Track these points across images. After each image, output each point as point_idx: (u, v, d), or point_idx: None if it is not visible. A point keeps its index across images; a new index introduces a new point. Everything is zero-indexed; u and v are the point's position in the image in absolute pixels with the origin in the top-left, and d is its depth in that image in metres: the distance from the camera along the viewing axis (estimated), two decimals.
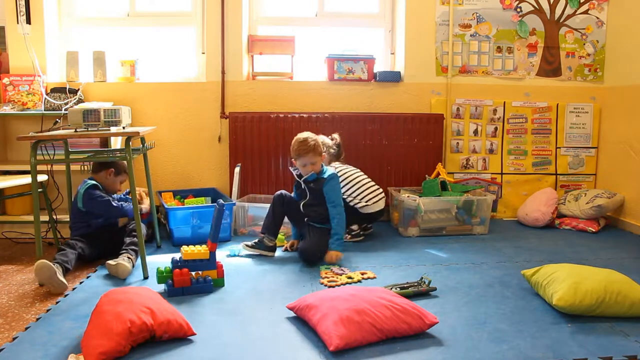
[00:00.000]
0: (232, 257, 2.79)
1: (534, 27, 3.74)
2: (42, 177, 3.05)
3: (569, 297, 1.98)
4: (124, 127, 2.59)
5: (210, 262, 2.31)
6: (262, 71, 3.72)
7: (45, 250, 2.79)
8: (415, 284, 2.29)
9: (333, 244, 2.70)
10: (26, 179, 2.87)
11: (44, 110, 3.30)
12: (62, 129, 2.74)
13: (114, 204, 2.73)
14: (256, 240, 2.81)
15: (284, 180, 3.55)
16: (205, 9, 3.55)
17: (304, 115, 3.54)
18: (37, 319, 1.99)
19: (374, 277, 2.46)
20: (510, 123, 3.77)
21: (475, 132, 3.77)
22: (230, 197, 3.37)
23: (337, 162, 3.24)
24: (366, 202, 3.09)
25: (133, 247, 2.61)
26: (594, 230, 3.37)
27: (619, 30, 3.66)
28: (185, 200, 3.29)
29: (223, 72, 3.58)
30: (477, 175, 3.78)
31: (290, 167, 3.01)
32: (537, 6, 3.72)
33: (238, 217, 3.24)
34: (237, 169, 3.39)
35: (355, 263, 2.70)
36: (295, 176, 2.86)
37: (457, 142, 3.77)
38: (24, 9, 3.34)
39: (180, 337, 1.80)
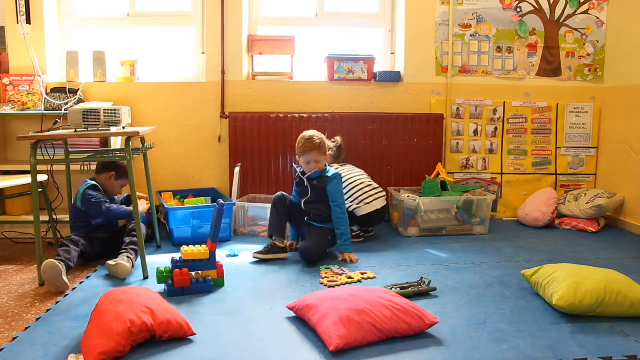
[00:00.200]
0: (232, 257, 2.79)
1: (534, 27, 3.74)
2: (42, 177, 3.04)
3: (569, 297, 1.98)
4: (124, 127, 2.59)
5: (210, 262, 2.31)
6: (262, 71, 3.72)
7: (45, 250, 2.79)
8: (415, 284, 2.29)
9: (342, 246, 2.72)
10: (26, 179, 2.87)
11: (44, 110, 3.30)
12: (62, 129, 2.74)
13: (107, 206, 2.71)
14: (267, 246, 2.75)
15: (284, 180, 3.56)
16: (205, 9, 3.55)
17: (304, 115, 3.54)
18: (37, 319, 1.99)
19: (374, 277, 2.46)
20: (510, 123, 3.77)
21: (475, 132, 3.77)
22: (230, 197, 3.37)
23: (335, 164, 3.24)
24: (357, 204, 3.07)
25: (133, 247, 2.61)
26: (594, 230, 3.37)
27: (619, 30, 3.66)
28: (185, 200, 3.29)
29: (223, 72, 3.58)
30: (477, 175, 3.78)
31: (294, 165, 3.02)
32: (537, 6, 3.72)
33: (238, 217, 3.24)
34: (237, 169, 3.39)
35: (356, 263, 2.70)
36: (299, 173, 2.86)
37: (457, 142, 3.77)
38: (24, 9, 3.34)
39: (180, 337, 1.80)
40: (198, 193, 3.46)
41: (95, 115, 2.48)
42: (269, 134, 3.52)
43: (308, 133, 2.79)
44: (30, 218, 3.18)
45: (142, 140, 2.85)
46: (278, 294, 2.25)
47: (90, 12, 3.68)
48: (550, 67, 3.79)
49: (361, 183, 3.15)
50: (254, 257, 2.71)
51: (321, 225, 2.78)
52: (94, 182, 2.81)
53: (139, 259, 2.55)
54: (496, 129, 3.77)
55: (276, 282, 2.40)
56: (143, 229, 2.73)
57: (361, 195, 3.10)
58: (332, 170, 2.82)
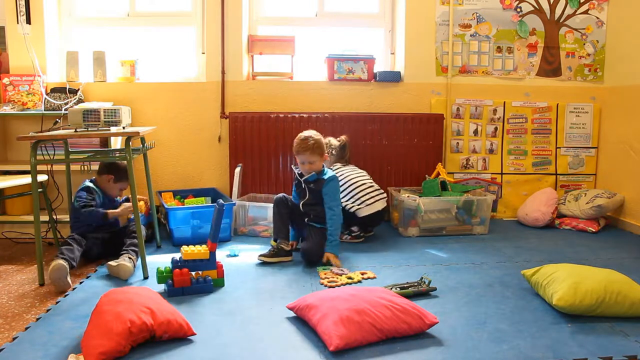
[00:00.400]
0: (232, 257, 2.79)
1: (534, 27, 3.74)
2: (42, 177, 3.04)
3: (569, 297, 1.98)
4: (124, 127, 2.59)
5: (210, 262, 2.31)
6: (262, 71, 3.72)
7: (45, 250, 2.79)
8: (415, 284, 2.29)
9: (328, 247, 2.68)
10: (26, 179, 2.87)
11: (44, 110, 3.30)
12: (62, 129, 2.74)
13: (83, 211, 2.67)
14: (272, 249, 2.73)
15: (284, 180, 3.56)
16: (205, 9, 3.55)
17: (304, 115, 3.54)
18: (37, 319, 1.99)
19: (374, 277, 2.46)
20: (510, 123, 3.77)
21: (475, 132, 3.77)
22: (231, 197, 3.37)
23: (338, 164, 3.23)
24: (359, 205, 3.07)
25: (133, 248, 2.61)
26: (594, 230, 3.37)
27: (619, 30, 3.66)
28: (185, 200, 3.29)
29: (223, 72, 3.58)
30: (477, 175, 3.78)
31: (292, 166, 3.01)
32: (537, 6, 3.72)
33: (238, 217, 3.24)
34: (237, 169, 3.39)
35: (356, 263, 2.70)
36: (297, 175, 2.86)
37: (457, 142, 3.77)
38: (24, 9, 3.34)
39: (180, 337, 1.80)
40: (198, 193, 3.46)
41: (95, 115, 2.48)
42: (269, 134, 3.52)
43: (305, 133, 2.78)
44: (30, 218, 3.18)
45: (142, 140, 2.85)
46: (278, 294, 2.25)
47: (90, 12, 3.68)
48: (550, 67, 3.79)
49: (363, 184, 3.14)
50: (259, 260, 2.70)
51: (321, 226, 2.78)
52: (88, 184, 2.80)
53: (139, 260, 2.55)
54: (496, 129, 3.77)
55: (276, 282, 2.40)
56: (143, 230, 2.73)
57: (363, 196, 3.09)
58: (329, 172, 2.80)
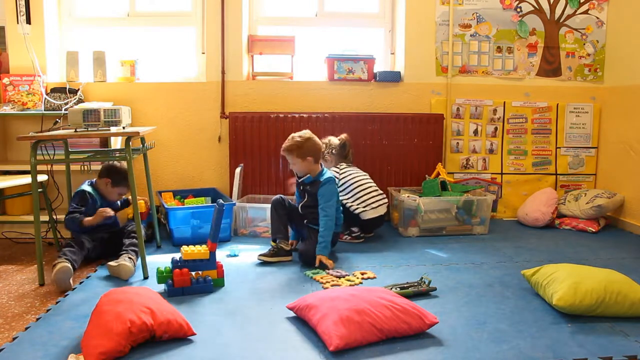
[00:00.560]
0: (232, 257, 2.79)
1: (534, 27, 3.74)
2: (42, 177, 3.05)
3: (569, 297, 1.98)
4: (124, 127, 2.59)
5: (210, 262, 2.31)
6: (262, 71, 3.72)
7: (45, 250, 2.80)
8: (415, 284, 2.29)
9: (317, 249, 2.64)
10: (26, 179, 2.87)
11: (44, 110, 3.30)
12: (62, 129, 2.74)
13: (69, 217, 2.67)
14: (272, 249, 2.73)
15: (284, 181, 3.55)
16: (205, 9, 3.55)
17: (304, 115, 3.54)
18: (37, 319, 1.99)
19: (374, 277, 2.46)
20: (510, 123, 3.77)
21: (475, 132, 3.77)
22: (231, 197, 3.37)
23: (343, 163, 3.23)
24: (364, 207, 3.07)
25: (133, 249, 2.61)
26: (594, 230, 3.37)
27: (619, 30, 3.66)
28: (185, 200, 3.29)
29: (223, 72, 3.58)
30: (477, 175, 3.78)
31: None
32: (537, 6, 3.72)
33: (238, 217, 3.24)
34: (238, 169, 3.39)
35: (356, 263, 2.70)
36: (296, 176, 2.86)
37: (457, 142, 3.77)
38: (24, 9, 3.34)
39: (180, 337, 1.80)
40: (198, 193, 3.46)
41: (95, 115, 2.48)
42: (269, 134, 3.52)
43: (295, 133, 2.75)
44: (30, 218, 3.18)
45: (142, 140, 2.85)
46: (278, 294, 2.25)
47: (90, 12, 3.68)
48: (550, 67, 3.79)
49: (369, 187, 3.15)
50: (259, 259, 2.70)
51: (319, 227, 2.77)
52: (84, 188, 2.77)
53: (139, 260, 2.55)
54: (496, 129, 3.77)
55: (276, 282, 2.40)
56: (142, 230, 2.72)
57: (369, 199, 3.10)
58: (327, 174, 2.76)
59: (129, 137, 2.46)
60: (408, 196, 3.26)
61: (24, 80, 3.37)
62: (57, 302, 2.16)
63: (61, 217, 3.04)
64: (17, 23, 3.36)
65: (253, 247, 2.96)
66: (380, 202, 3.13)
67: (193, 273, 2.29)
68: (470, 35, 3.71)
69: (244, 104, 3.63)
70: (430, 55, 3.70)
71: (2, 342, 1.80)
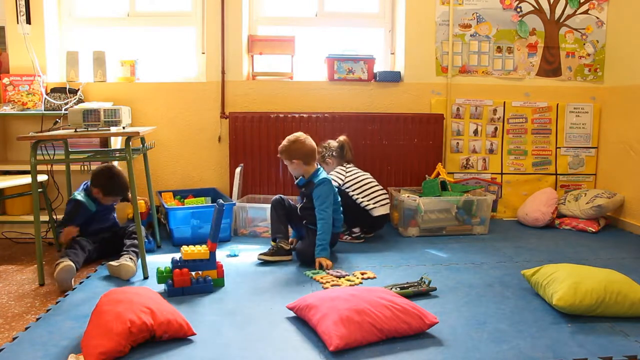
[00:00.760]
0: (232, 257, 2.79)
1: (534, 27, 3.74)
2: (42, 177, 3.05)
3: (569, 297, 1.98)
4: (124, 127, 2.59)
5: (210, 262, 2.31)
6: (262, 71, 3.73)
7: (46, 250, 2.80)
8: (415, 284, 2.29)
9: (316, 252, 2.63)
10: (26, 179, 2.87)
11: (44, 110, 3.30)
12: (62, 129, 2.74)
13: (57, 230, 2.70)
14: (272, 248, 2.73)
15: (284, 181, 3.56)
16: (205, 9, 3.55)
17: (304, 115, 3.54)
18: (37, 319, 1.99)
19: (374, 277, 2.46)
20: (510, 123, 3.77)
21: (475, 132, 3.77)
22: (231, 197, 3.37)
23: (349, 165, 3.24)
24: (374, 204, 3.10)
25: (134, 249, 2.61)
26: (594, 230, 3.37)
27: (619, 30, 3.66)
28: (185, 200, 3.29)
29: (223, 72, 3.58)
30: (477, 175, 3.78)
31: None
32: (537, 6, 3.72)
33: (238, 217, 3.24)
34: (238, 169, 3.39)
35: (355, 263, 2.70)
36: (295, 178, 2.88)
37: (457, 142, 3.77)
38: (24, 9, 3.34)
39: (180, 337, 1.80)
40: (198, 193, 3.46)
41: (95, 115, 2.48)
42: (269, 134, 3.52)
43: (290, 135, 2.77)
44: (30, 218, 3.18)
45: (142, 140, 2.85)
46: (278, 294, 2.25)
47: (90, 12, 3.68)
48: (550, 67, 3.79)
49: (375, 185, 3.18)
50: (259, 259, 2.70)
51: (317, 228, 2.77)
52: (77, 197, 2.71)
53: (139, 260, 2.55)
54: (496, 129, 3.77)
55: (276, 282, 2.40)
56: (142, 230, 2.72)
57: (377, 196, 3.13)
58: (322, 175, 2.74)
59: (129, 137, 2.46)
60: (408, 196, 3.26)
61: (24, 80, 3.37)
62: (57, 302, 2.16)
63: (61, 217, 3.04)
64: (17, 23, 3.36)
65: (253, 247, 2.97)
66: (386, 201, 3.17)
67: (193, 273, 2.29)
68: (470, 35, 3.71)
69: (244, 104, 3.63)
70: (430, 55, 3.70)
71: (2, 342, 1.80)
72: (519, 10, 3.71)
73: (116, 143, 3.35)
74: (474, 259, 2.78)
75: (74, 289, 2.32)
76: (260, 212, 3.24)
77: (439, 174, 3.57)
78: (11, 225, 3.31)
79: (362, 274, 2.49)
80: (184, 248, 2.33)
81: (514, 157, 3.80)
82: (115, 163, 3.22)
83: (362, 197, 3.11)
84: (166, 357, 1.69)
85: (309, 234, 2.75)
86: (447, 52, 3.70)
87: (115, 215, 2.89)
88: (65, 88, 3.40)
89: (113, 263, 2.47)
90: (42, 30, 3.44)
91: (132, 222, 2.76)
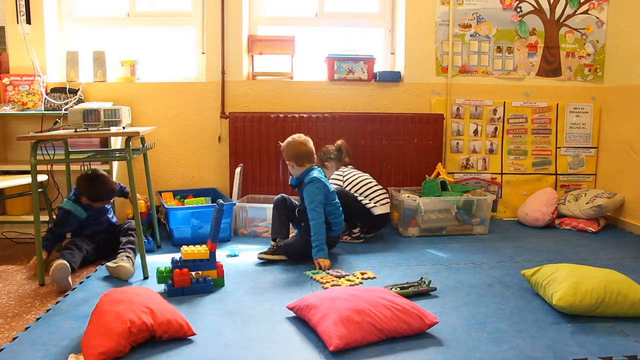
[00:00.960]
0: (232, 257, 2.79)
1: (534, 27, 3.74)
2: (42, 177, 3.05)
3: (569, 297, 1.98)
4: (124, 127, 2.59)
5: (210, 262, 2.31)
6: (262, 71, 3.73)
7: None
8: (415, 284, 2.29)
9: (313, 253, 2.63)
10: (26, 179, 2.87)
11: (44, 110, 3.30)
12: (62, 129, 2.74)
13: (49, 234, 2.68)
14: (272, 247, 2.73)
15: (284, 181, 3.55)
16: (205, 9, 3.55)
17: (304, 115, 3.54)
18: (37, 319, 1.99)
19: (374, 277, 2.46)
20: (510, 123, 3.77)
21: (475, 132, 3.77)
22: (231, 197, 3.37)
23: (348, 167, 3.26)
24: (374, 203, 3.10)
25: (130, 246, 2.60)
26: (594, 230, 3.37)
27: (619, 30, 3.66)
28: (185, 200, 3.29)
29: (223, 72, 3.58)
30: (477, 175, 3.78)
31: None
32: (537, 6, 3.72)
33: (238, 217, 3.24)
34: (238, 169, 3.39)
35: (356, 263, 2.70)
36: None
37: (457, 142, 3.77)
38: (24, 9, 3.34)
39: (180, 337, 1.80)
40: (198, 193, 3.46)
41: (95, 115, 2.48)
42: (269, 134, 3.52)
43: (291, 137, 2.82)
44: (30, 218, 3.18)
45: (142, 140, 2.85)
46: (278, 294, 2.25)
47: (90, 12, 3.68)
48: (550, 67, 3.79)
49: (375, 185, 3.18)
50: (259, 258, 2.70)
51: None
52: (64, 206, 2.67)
53: (138, 259, 2.55)
54: (496, 129, 3.77)
55: (276, 282, 2.40)
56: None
57: (376, 196, 3.13)
58: (312, 174, 2.72)
59: (129, 137, 2.46)
60: (408, 196, 3.26)
61: (24, 80, 3.37)
62: (57, 302, 2.16)
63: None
64: (17, 23, 3.36)
65: (253, 247, 2.97)
66: (387, 200, 3.17)
67: (193, 273, 2.29)
68: (470, 35, 3.71)
69: (244, 104, 3.63)
70: (430, 55, 3.70)
71: (2, 342, 1.80)
72: (519, 10, 3.71)
73: (116, 143, 3.35)
74: (474, 259, 2.78)
75: (74, 289, 2.32)
76: (260, 212, 3.25)
77: (439, 174, 3.57)
78: (11, 225, 3.31)
79: (362, 274, 2.49)
80: (184, 248, 2.33)
81: (514, 157, 3.80)
82: (116, 163, 3.24)
83: (362, 197, 3.12)
84: (166, 357, 1.69)
85: (302, 233, 2.76)
86: (447, 52, 3.70)
87: (110, 216, 2.86)
88: (65, 88, 3.40)
89: (111, 264, 2.46)
90: (42, 30, 3.44)
91: (130, 220, 2.77)
